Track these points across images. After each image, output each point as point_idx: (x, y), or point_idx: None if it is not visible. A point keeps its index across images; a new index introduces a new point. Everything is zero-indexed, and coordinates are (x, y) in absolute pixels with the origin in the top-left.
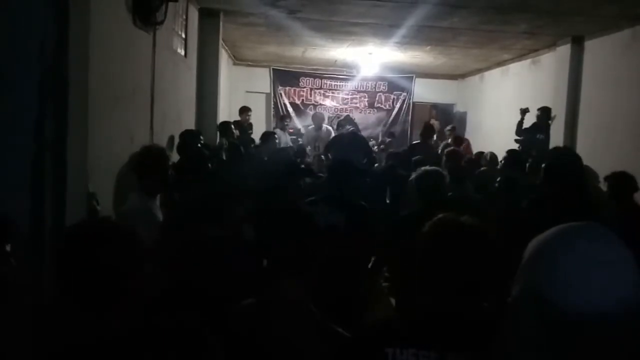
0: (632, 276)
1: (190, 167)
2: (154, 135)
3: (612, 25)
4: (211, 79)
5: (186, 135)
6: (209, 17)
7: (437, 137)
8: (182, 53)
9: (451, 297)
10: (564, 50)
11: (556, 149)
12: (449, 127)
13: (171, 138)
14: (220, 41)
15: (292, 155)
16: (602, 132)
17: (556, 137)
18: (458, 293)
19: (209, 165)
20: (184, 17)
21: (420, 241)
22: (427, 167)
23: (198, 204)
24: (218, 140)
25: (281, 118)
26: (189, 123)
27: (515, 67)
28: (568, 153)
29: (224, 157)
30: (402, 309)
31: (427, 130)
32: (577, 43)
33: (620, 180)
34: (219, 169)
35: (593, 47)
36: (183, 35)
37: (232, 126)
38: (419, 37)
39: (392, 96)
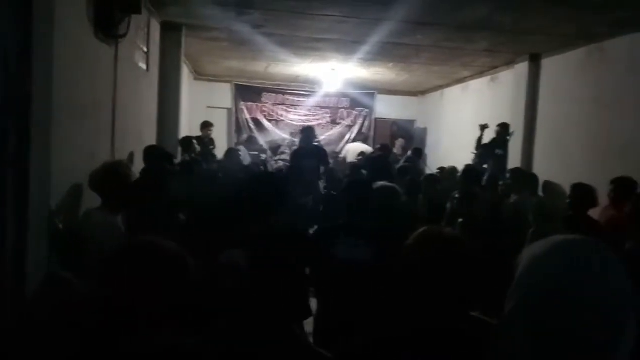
0: (625, 288)
1: (152, 183)
2: (116, 150)
3: (568, 44)
4: (173, 94)
5: (149, 150)
6: (171, 31)
7: (401, 153)
8: (144, 67)
9: (439, 312)
10: (522, 68)
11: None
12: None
13: (133, 153)
14: (183, 55)
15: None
16: (559, 147)
17: (514, 153)
18: (446, 307)
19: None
20: (146, 30)
21: (406, 255)
22: (383, 183)
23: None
24: (180, 155)
25: (240, 136)
26: (151, 138)
27: (475, 84)
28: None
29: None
30: (389, 325)
31: (384, 149)
32: (535, 61)
33: (577, 193)
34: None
35: (549, 65)
36: (145, 49)
37: (194, 141)
38: (382, 54)
39: (355, 112)
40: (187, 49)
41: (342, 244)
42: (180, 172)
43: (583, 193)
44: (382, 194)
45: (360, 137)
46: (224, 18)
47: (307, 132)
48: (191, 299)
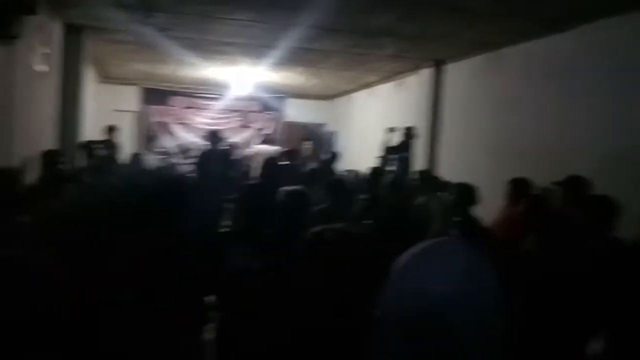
0: (491, 291)
1: (46, 188)
2: (13, 155)
3: (470, 51)
4: (75, 97)
5: (46, 155)
6: (73, 33)
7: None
8: (44, 69)
9: (335, 310)
10: (426, 73)
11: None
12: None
13: (31, 158)
14: (86, 58)
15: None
16: (461, 149)
17: (420, 156)
18: (341, 305)
19: (67, 186)
20: (46, 31)
21: (301, 251)
22: (290, 188)
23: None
24: (81, 160)
25: (148, 139)
26: (52, 142)
27: (381, 89)
28: None
29: (86, 178)
30: (286, 329)
31: (291, 153)
32: (438, 66)
33: (458, 191)
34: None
35: (452, 71)
36: (45, 51)
37: (98, 145)
38: (292, 59)
39: (265, 116)
40: (92, 51)
41: (238, 252)
42: (75, 177)
43: (463, 191)
44: (286, 199)
45: (267, 139)
46: (129, 21)
47: (213, 136)
48: (62, 311)
